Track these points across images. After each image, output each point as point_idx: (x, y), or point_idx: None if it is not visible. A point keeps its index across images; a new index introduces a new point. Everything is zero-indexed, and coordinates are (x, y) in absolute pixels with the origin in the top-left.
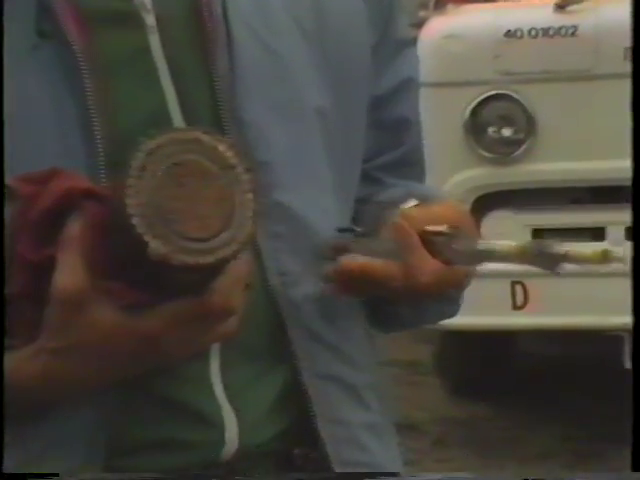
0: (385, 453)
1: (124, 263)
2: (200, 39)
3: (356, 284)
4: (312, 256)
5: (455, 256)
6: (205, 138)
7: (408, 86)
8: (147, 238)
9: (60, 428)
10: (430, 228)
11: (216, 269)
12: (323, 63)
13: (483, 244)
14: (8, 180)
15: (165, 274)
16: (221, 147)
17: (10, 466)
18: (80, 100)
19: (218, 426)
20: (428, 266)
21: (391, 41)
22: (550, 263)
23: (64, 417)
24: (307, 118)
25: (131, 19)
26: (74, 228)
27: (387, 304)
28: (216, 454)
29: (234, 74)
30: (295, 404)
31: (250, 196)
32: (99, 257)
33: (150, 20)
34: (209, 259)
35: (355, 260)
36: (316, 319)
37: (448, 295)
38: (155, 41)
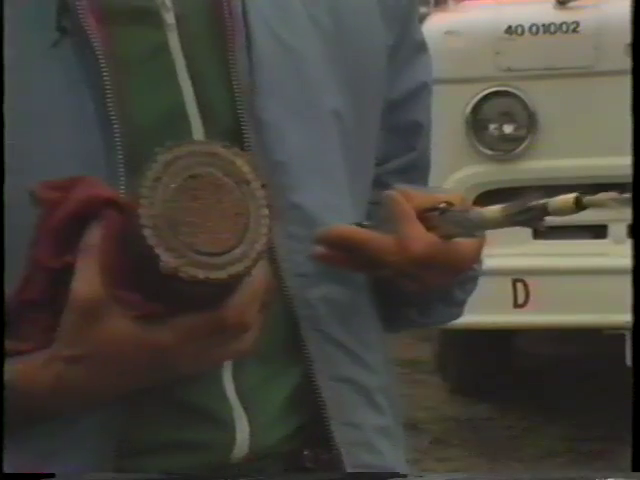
0: (395, 456)
1: (140, 274)
2: (219, 38)
3: (347, 253)
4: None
5: (449, 228)
6: (223, 152)
7: (423, 91)
8: (158, 250)
9: (71, 428)
10: (425, 205)
11: (231, 284)
12: (340, 63)
13: (473, 212)
14: (33, 186)
15: (178, 287)
16: (238, 162)
17: (19, 466)
18: (99, 97)
19: (229, 427)
20: (423, 238)
21: (408, 43)
22: (533, 219)
23: (75, 418)
24: (324, 119)
25: (150, 17)
26: (94, 236)
27: (398, 306)
28: (226, 455)
29: (253, 73)
30: (307, 406)
31: (265, 212)
32: (117, 266)
33: (169, 18)
34: (221, 275)
35: (348, 227)
36: (331, 321)
37: (455, 297)
38: (174, 39)
